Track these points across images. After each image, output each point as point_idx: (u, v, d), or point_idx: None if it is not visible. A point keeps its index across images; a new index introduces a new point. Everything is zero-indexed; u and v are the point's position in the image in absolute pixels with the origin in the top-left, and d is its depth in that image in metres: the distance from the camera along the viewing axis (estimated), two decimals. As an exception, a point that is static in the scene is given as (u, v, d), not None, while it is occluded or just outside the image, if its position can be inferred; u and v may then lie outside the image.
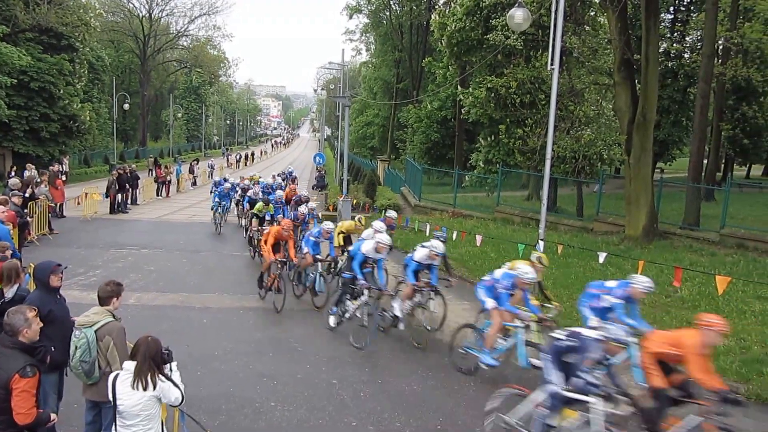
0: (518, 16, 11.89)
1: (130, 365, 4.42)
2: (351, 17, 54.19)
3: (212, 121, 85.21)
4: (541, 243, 12.14)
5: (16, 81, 28.31)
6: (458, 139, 37.72)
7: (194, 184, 36.30)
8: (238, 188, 21.19)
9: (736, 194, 24.07)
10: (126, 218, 22.13)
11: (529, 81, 23.29)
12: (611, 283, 7.92)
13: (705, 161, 25.00)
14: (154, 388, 4.36)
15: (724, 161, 34.65)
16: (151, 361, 4.38)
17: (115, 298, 5.32)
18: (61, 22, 31.95)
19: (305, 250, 11.78)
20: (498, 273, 8.42)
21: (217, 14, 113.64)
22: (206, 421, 6.24)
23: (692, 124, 24.08)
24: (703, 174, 22.65)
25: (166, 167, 32.73)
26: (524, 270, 7.95)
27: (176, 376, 4.59)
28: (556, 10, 11.68)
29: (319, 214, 18.66)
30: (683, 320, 10.13)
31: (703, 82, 19.39)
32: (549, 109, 12.47)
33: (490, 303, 8.24)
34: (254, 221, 15.98)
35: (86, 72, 38.41)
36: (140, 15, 62.87)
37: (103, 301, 5.29)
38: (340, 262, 12.38)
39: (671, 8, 31.72)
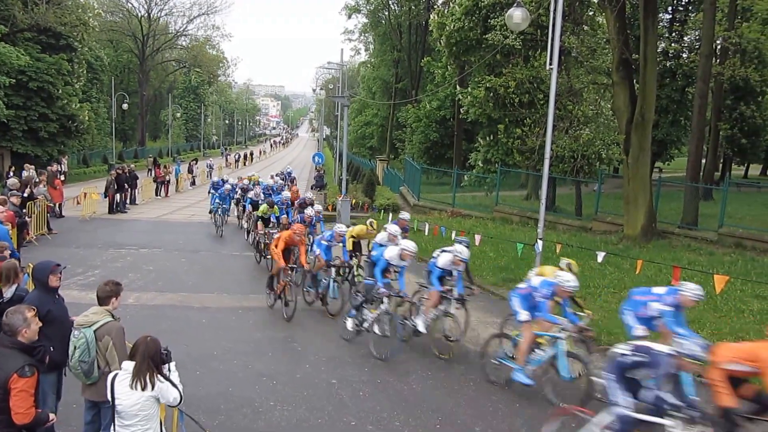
0: (517, 15, 11.91)
1: (128, 365, 4.43)
2: (350, 17, 54.23)
3: (211, 120, 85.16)
4: (540, 242, 12.16)
5: (14, 81, 28.30)
6: (457, 138, 37.75)
7: (193, 183, 36.30)
8: (237, 188, 20.94)
9: (734, 194, 24.13)
10: (125, 218, 22.12)
11: (528, 81, 23.32)
12: (659, 290, 7.50)
13: (703, 161, 25.03)
14: (153, 388, 4.37)
15: (722, 161, 34.72)
16: (150, 361, 4.39)
17: (114, 298, 5.33)
18: (60, 22, 31.94)
19: (317, 252, 11.38)
20: (536, 280, 7.98)
21: (216, 14, 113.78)
22: (205, 421, 6.24)
23: (690, 123, 24.15)
24: (701, 173, 22.68)
25: (165, 167, 32.72)
26: (566, 278, 7.51)
27: (175, 377, 4.60)
28: (555, 9, 11.69)
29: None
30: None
31: (701, 82, 19.42)
32: (548, 108, 12.50)
33: (523, 315, 7.77)
34: (259, 224, 15.58)
35: (85, 72, 38.38)
36: (139, 15, 62.83)
37: (102, 300, 5.29)
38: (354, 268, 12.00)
39: (669, 8, 31.77)
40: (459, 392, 7.87)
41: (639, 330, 7.23)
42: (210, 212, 22.25)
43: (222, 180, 23.30)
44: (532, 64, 23.36)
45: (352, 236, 12.36)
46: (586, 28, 22.73)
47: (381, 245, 10.77)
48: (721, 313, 10.51)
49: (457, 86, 30.33)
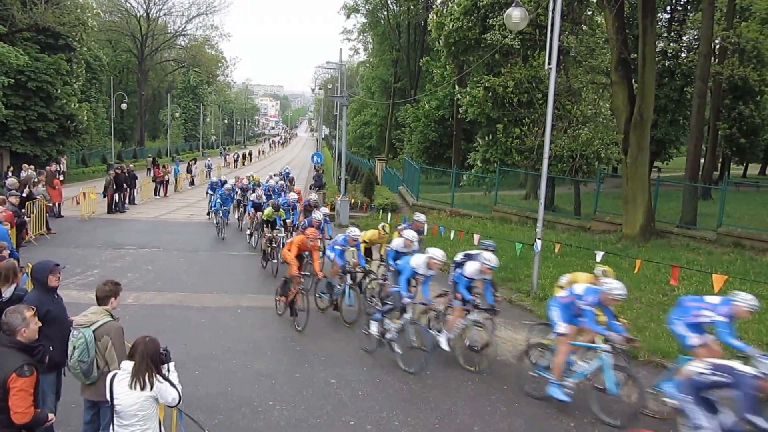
0: (515, 15, 11.92)
1: (127, 365, 4.43)
2: (348, 17, 54.29)
3: (210, 120, 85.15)
4: (539, 242, 12.19)
5: (13, 81, 28.31)
6: (456, 138, 37.77)
7: (192, 183, 36.32)
8: (237, 189, 20.66)
9: (733, 193, 24.17)
10: (124, 218, 22.11)
11: (527, 80, 23.32)
12: (712, 299, 7.05)
13: (702, 160, 25.05)
14: (152, 388, 4.37)
15: (720, 160, 34.76)
16: (149, 361, 4.39)
17: (113, 298, 5.33)
18: (59, 22, 31.95)
19: (331, 257, 10.86)
20: (578, 288, 7.45)
21: (215, 14, 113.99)
22: (204, 421, 6.26)
23: (689, 123, 24.17)
24: (700, 173, 22.70)
25: (164, 167, 32.71)
26: (612, 284, 7.05)
27: (174, 377, 4.60)
28: (554, 9, 11.71)
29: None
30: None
31: (699, 81, 19.44)
32: (546, 108, 12.51)
33: (562, 327, 7.32)
34: (266, 228, 15.05)
35: (84, 72, 38.40)
36: (138, 15, 62.87)
37: (101, 300, 5.29)
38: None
39: (668, 7, 31.78)
40: (457, 391, 7.87)
41: (694, 339, 6.79)
42: (208, 213, 22.24)
43: (220, 180, 23.29)
44: (530, 64, 23.37)
45: (364, 241, 11.92)
46: (584, 27, 22.74)
47: (398, 252, 10.41)
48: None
49: (456, 86, 30.34)
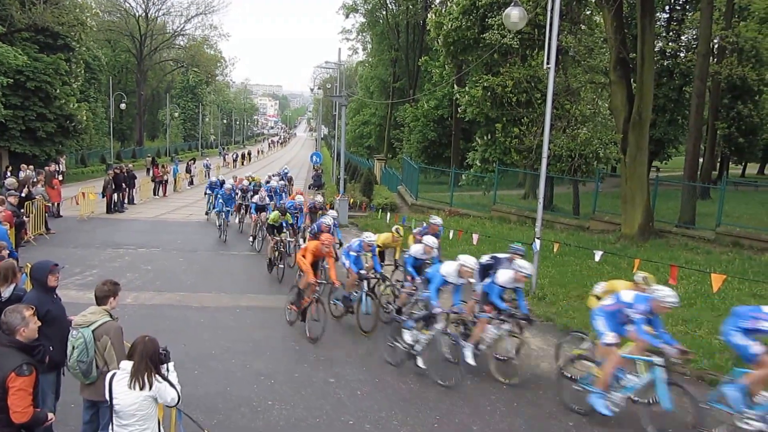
0: (514, 15, 11.93)
1: (126, 365, 4.44)
2: (347, 17, 54.26)
3: (209, 120, 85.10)
4: (538, 241, 12.20)
5: (12, 81, 28.30)
6: (455, 137, 37.76)
7: (191, 183, 36.29)
8: (237, 191, 19.91)
9: (732, 192, 24.17)
10: (123, 218, 22.10)
11: (526, 80, 23.32)
12: None
13: (701, 160, 25.07)
14: (151, 388, 4.37)
15: (719, 160, 34.74)
16: (148, 361, 4.39)
17: (112, 298, 5.34)
18: (58, 22, 31.91)
19: (346, 265, 10.40)
20: (626, 295, 7.08)
21: (214, 14, 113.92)
22: (203, 420, 6.26)
23: (688, 122, 24.14)
24: (698, 172, 22.71)
25: (163, 167, 32.70)
26: (664, 292, 6.67)
27: (173, 377, 4.60)
28: (552, 9, 11.73)
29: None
30: (679, 318, 10.19)
31: (698, 81, 19.45)
32: (545, 107, 12.53)
33: (610, 337, 6.96)
34: (272, 234, 14.29)
35: (83, 71, 38.34)
36: (136, 14, 62.83)
37: (100, 300, 5.30)
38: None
39: (667, 7, 31.77)
40: (456, 390, 7.86)
41: (755, 347, 6.39)
42: (206, 213, 22.17)
43: (219, 180, 23.22)
44: (529, 64, 23.38)
45: (378, 245, 11.45)
46: (583, 27, 22.73)
47: (417, 258, 10.17)
48: (718, 312, 10.53)
49: (455, 85, 30.32)
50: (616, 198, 20.22)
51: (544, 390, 7.94)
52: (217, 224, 18.93)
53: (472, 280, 8.87)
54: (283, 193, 21.40)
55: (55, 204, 20.55)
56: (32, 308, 4.67)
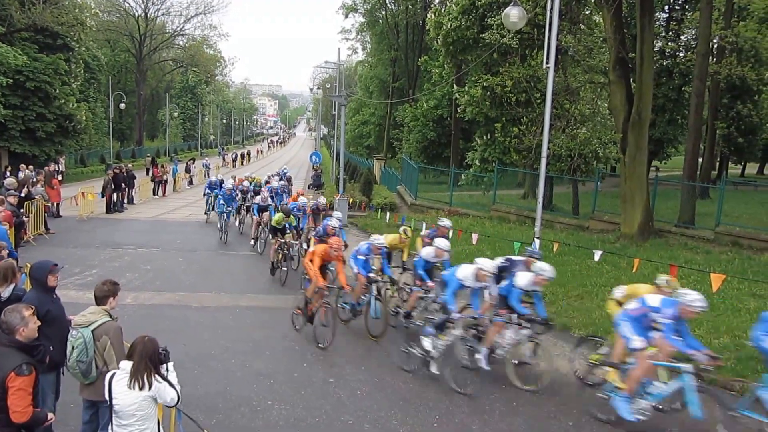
0: (514, 14, 11.94)
1: (126, 365, 4.44)
2: (347, 16, 54.22)
3: (209, 120, 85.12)
4: (537, 241, 12.21)
5: (11, 81, 28.30)
6: (454, 137, 37.75)
7: (191, 183, 36.29)
8: (237, 192, 19.71)
9: (731, 192, 24.20)
10: (122, 218, 22.11)
11: (525, 80, 23.31)
12: None
13: (700, 159, 25.07)
14: (150, 388, 4.38)
15: (719, 159, 34.73)
16: (148, 361, 4.40)
17: (111, 298, 5.34)
18: (57, 22, 31.90)
19: (355, 270, 10.11)
20: (652, 299, 6.85)
21: (213, 14, 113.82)
22: (203, 420, 6.26)
23: (687, 122, 24.14)
24: (698, 172, 22.70)
25: (162, 166, 32.69)
26: (692, 296, 6.46)
27: (173, 377, 4.61)
28: (552, 8, 11.73)
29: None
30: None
31: (698, 81, 19.45)
32: (544, 107, 12.53)
33: (637, 342, 6.70)
34: (275, 237, 14.11)
35: (82, 71, 38.33)
36: (136, 14, 62.86)
37: (100, 300, 5.30)
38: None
39: (666, 7, 31.77)
40: (456, 391, 7.86)
41: None
42: (206, 212, 22.13)
43: (218, 180, 23.19)
44: (529, 63, 23.38)
45: (385, 247, 11.09)
46: (582, 27, 22.72)
47: (428, 261, 10.01)
48: (717, 311, 10.54)
49: (454, 85, 30.29)
50: (615, 198, 20.22)
51: (543, 390, 7.93)
52: (218, 225, 18.67)
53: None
54: (284, 194, 21.28)
55: (55, 204, 20.54)
56: (32, 308, 4.67)
